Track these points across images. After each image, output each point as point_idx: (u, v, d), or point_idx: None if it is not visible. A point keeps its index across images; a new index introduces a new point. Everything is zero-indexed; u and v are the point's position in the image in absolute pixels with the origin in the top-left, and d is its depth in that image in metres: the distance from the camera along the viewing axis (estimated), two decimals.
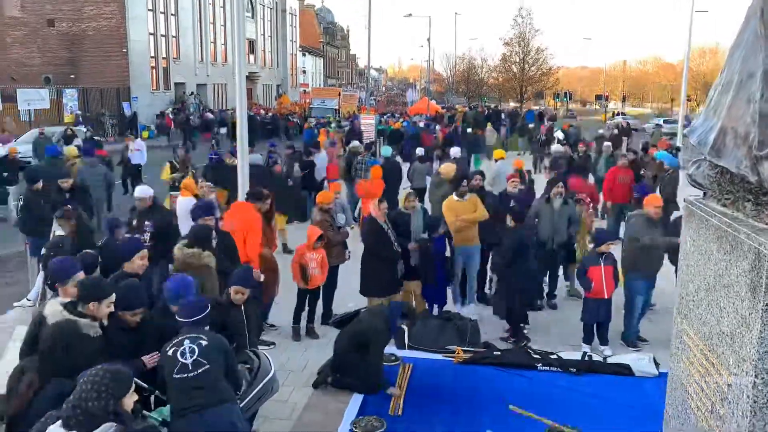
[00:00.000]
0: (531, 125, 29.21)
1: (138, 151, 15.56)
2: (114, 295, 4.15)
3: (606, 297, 6.72)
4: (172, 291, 4.57)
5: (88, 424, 2.54)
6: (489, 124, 27.61)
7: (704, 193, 2.95)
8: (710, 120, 2.72)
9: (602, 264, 6.68)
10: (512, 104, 58.00)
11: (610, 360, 6.56)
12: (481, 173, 9.42)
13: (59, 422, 2.59)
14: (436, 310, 7.66)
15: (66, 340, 3.49)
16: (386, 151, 14.12)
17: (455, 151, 13.40)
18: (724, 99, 2.67)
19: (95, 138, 22.73)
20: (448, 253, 7.59)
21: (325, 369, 6.05)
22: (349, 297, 7.53)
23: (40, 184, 8.52)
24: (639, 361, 6.50)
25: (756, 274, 2.22)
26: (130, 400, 2.75)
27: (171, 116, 34.35)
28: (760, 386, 2.21)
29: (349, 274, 7.66)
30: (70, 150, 12.04)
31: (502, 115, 39.74)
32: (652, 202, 7.17)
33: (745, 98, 2.51)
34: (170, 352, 3.82)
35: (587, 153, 14.76)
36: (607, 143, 15.90)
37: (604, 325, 6.87)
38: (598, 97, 76.03)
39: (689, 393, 2.85)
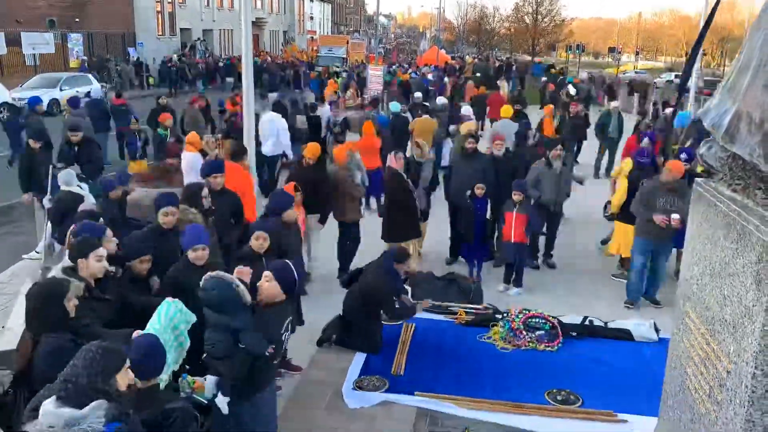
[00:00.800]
0: (543, 79, 28.62)
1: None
2: (101, 247, 4.18)
3: (513, 240, 7.38)
4: (187, 239, 4.58)
5: (78, 400, 2.49)
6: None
7: (713, 175, 2.91)
8: (725, 102, 2.66)
9: (515, 211, 7.33)
10: (526, 57, 56.79)
11: (610, 325, 6.62)
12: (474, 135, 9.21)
13: (53, 397, 2.56)
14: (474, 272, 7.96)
15: (45, 296, 3.45)
16: (394, 106, 13.85)
17: (466, 110, 13.13)
18: (741, 81, 2.60)
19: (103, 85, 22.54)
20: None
21: (330, 327, 6.14)
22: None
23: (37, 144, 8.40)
24: (639, 327, 6.56)
25: (763, 266, 2.21)
26: (123, 378, 2.68)
27: (177, 62, 33.95)
28: (760, 377, 2.23)
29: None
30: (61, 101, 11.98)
31: (513, 68, 39.07)
32: (673, 169, 7.04)
33: (762, 83, 2.44)
34: None
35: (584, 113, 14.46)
36: (615, 103, 15.56)
37: (512, 266, 7.58)
38: (612, 50, 74.39)
39: (688, 374, 2.88)
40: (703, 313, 2.74)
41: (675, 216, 6.66)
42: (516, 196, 7.38)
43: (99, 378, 2.56)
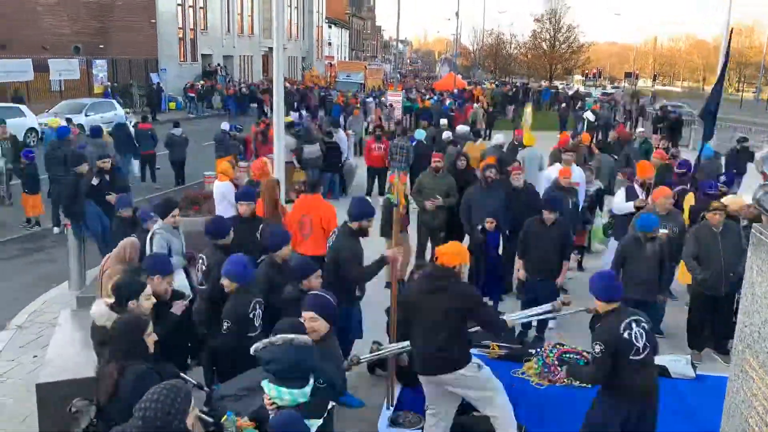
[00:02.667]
0: (563, 105, 28.65)
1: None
2: (149, 287, 4.34)
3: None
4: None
5: None
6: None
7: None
8: None
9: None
10: (542, 83, 56.93)
11: None
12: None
13: None
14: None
15: (130, 330, 3.62)
16: (419, 134, 13.87)
17: (497, 138, 12.90)
18: None
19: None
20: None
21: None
22: None
23: (84, 167, 8.59)
24: (676, 363, 6.46)
25: None
26: (191, 418, 2.76)
27: (200, 87, 34.52)
28: None
29: None
30: (54, 121, 12.18)
31: (530, 93, 39.15)
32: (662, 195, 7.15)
33: None
34: None
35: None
36: (640, 129, 15.49)
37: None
38: (628, 75, 74.53)
39: (749, 424, 2.83)
40: (766, 361, 2.70)
41: (662, 230, 6.62)
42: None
43: (176, 418, 2.63)
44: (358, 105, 24.87)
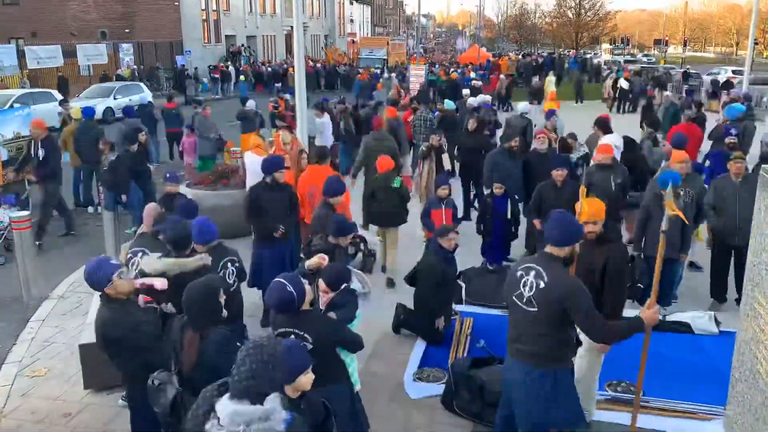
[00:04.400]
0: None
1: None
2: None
3: None
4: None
5: (254, 395, 2.49)
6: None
7: None
8: None
9: (443, 207, 7.16)
10: (569, 51, 55.91)
11: (668, 318, 6.57)
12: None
13: (226, 396, 2.54)
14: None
15: (206, 293, 3.54)
16: (449, 104, 13.82)
17: (522, 106, 12.83)
18: None
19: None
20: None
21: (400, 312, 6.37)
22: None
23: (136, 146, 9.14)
24: (698, 319, 6.49)
25: None
26: (308, 379, 2.75)
27: (226, 67, 34.81)
28: None
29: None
30: (76, 110, 12.34)
31: (554, 63, 38.52)
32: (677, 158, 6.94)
33: None
34: None
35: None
36: (667, 93, 15.27)
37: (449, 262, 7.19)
38: (657, 42, 72.66)
39: (758, 358, 2.92)
40: None
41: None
42: (442, 191, 7.26)
43: (277, 370, 2.57)
44: (368, 80, 24.94)
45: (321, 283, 4.05)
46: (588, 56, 48.18)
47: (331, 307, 4.11)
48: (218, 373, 3.31)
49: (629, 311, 6.33)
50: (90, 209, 11.15)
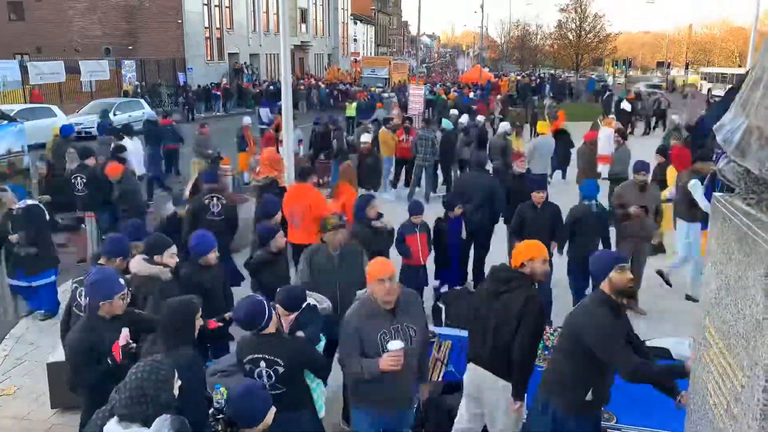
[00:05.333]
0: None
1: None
2: (174, 246, 4.79)
3: (422, 263, 7.04)
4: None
5: (142, 416, 2.51)
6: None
7: (733, 190, 2.91)
8: (738, 117, 2.68)
9: (417, 232, 6.98)
10: (566, 74, 56.26)
11: (648, 343, 6.49)
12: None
13: (115, 418, 2.53)
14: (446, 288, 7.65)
15: (183, 314, 3.56)
16: (447, 123, 13.94)
17: (504, 126, 13.07)
18: (753, 96, 2.61)
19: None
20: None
21: None
22: None
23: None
24: (679, 345, 6.41)
25: None
26: (175, 387, 2.79)
27: (230, 83, 35.13)
28: None
29: None
30: (55, 129, 12.41)
31: (555, 84, 38.68)
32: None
33: None
34: None
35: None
36: (674, 116, 15.27)
37: (420, 288, 7.14)
38: (660, 64, 72.96)
39: (708, 390, 2.87)
40: (721, 327, 2.74)
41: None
42: (416, 218, 7.02)
43: (162, 391, 2.60)
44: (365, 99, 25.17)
45: (279, 308, 4.01)
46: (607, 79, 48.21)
47: (295, 328, 4.07)
48: (181, 394, 3.29)
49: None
50: None
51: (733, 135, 2.64)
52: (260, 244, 5.18)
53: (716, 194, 2.99)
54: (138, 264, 4.61)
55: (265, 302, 3.62)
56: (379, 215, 6.47)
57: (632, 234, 7.35)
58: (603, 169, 12.13)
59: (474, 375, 4.38)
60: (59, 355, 5.36)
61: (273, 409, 3.00)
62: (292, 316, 4.06)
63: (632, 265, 7.32)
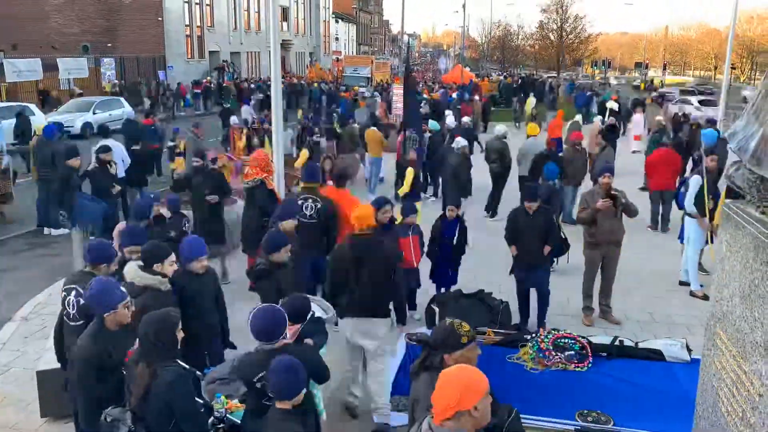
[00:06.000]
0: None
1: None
2: (173, 254, 4.60)
3: (415, 266, 7.00)
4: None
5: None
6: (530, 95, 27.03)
7: (743, 197, 2.92)
8: (751, 125, 2.68)
9: (410, 234, 6.90)
10: (548, 74, 56.69)
11: (641, 345, 6.55)
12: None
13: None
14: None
15: (161, 327, 3.44)
16: (434, 125, 13.89)
17: (499, 129, 12.95)
18: (766, 105, 2.62)
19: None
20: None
21: None
22: None
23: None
24: (671, 347, 6.47)
25: None
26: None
27: (212, 81, 34.82)
28: None
29: None
30: (39, 127, 12.17)
31: (535, 85, 38.85)
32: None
33: None
34: None
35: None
36: (659, 117, 15.42)
37: (414, 291, 7.19)
38: (638, 65, 73.96)
39: (720, 397, 2.87)
40: (734, 334, 2.74)
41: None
42: (410, 219, 6.99)
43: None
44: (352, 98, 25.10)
45: None
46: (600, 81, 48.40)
47: (300, 339, 4.02)
48: (170, 411, 3.20)
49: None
50: (45, 231, 10.65)
51: (748, 143, 2.64)
52: (266, 252, 4.99)
53: (728, 201, 3.00)
54: (134, 273, 4.45)
55: (284, 313, 3.57)
56: (392, 219, 6.46)
57: (601, 240, 7.10)
58: (636, 145, 18.46)
59: None
60: (48, 362, 5.25)
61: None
62: (297, 326, 4.00)
63: (602, 273, 7.24)
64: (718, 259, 3.06)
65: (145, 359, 3.37)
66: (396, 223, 6.81)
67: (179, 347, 3.47)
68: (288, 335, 3.90)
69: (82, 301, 4.30)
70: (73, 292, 4.41)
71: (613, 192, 7.02)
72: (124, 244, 5.00)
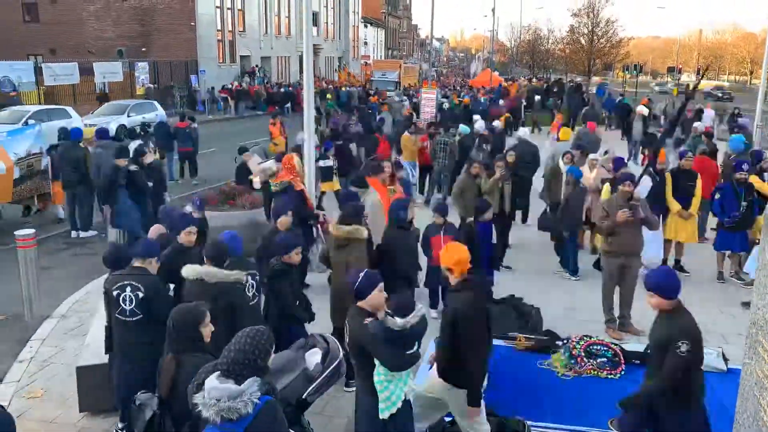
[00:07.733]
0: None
1: None
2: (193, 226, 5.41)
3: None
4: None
5: (238, 376, 2.78)
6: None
7: None
8: None
9: (442, 234, 7.13)
10: (579, 78, 56.07)
11: None
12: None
13: (217, 373, 2.82)
14: None
15: (185, 320, 3.57)
16: (464, 129, 13.88)
17: (523, 131, 12.91)
18: None
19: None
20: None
21: None
22: None
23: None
24: (707, 356, 6.33)
25: None
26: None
27: (244, 85, 35.25)
28: None
29: None
30: (88, 131, 12.28)
31: (565, 89, 38.42)
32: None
33: None
34: None
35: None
36: (698, 123, 15.10)
37: (443, 288, 7.14)
38: (671, 69, 72.71)
39: (762, 406, 2.83)
40: None
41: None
42: (439, 220, 7.26)
43: (259, 357, 2.87)
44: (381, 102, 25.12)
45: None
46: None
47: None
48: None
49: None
50: (73, 234, 10.79)
51: None
52: (280, 253, 5.20)
53: None
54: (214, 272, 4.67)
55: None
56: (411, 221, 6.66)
57: (620, 249, 6.84)
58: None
59: None
60: (86, 359, 5.38)
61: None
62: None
63: (621, 283, 6.96)
64: (761, 265, 3.02)
65: (170, 350, 3.53)
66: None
67: (206, 341, 3.57)
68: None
69: (141, 295, 4.43)
70: (128, 288, 4.47)
71: (632, 202, 6.83)
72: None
